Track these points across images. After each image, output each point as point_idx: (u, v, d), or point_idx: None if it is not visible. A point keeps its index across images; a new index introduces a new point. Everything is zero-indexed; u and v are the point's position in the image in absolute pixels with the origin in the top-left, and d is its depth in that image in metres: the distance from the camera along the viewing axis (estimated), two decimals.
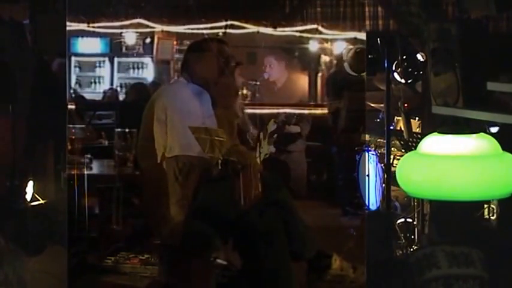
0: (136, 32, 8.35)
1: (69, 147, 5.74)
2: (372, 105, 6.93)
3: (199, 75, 4.88)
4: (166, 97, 4.83)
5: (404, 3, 6.04)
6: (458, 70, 5.47)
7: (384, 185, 6.22)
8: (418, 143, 3.32)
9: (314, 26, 8.18)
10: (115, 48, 8.71)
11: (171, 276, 4.72)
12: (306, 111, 7.60)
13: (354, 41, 7.65)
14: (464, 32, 5.40)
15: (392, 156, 5.91)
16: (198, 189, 4.69)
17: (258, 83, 7.92)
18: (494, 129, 5.63)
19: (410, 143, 5.85)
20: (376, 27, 8.12)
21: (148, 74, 8.70)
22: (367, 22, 8.30)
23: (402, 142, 6.13)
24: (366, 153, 6.78)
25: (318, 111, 7.80)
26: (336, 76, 7.54)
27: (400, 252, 5.60)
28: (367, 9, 8.40)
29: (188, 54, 5.08)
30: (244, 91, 7.96)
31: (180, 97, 4.79)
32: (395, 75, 5.72)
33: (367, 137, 7.04)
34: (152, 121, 4.82)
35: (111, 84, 8.77)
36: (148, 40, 8.48)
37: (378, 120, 6.90)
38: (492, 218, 5.58)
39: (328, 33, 8.18)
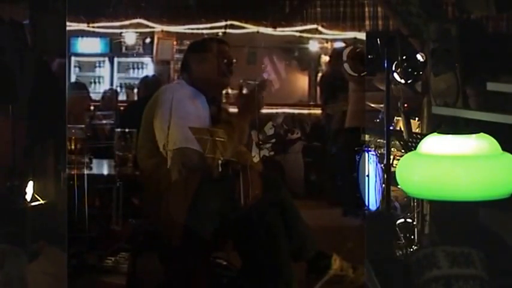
0: (136, 32, 8.35)
1: (69, 147, 5.74)
2: (372, 105, 6.93)
3: (200, 75, 4.87)
4: (171, 94, 4.81)
5: (404, 3, 6.04)
6: (458, 70, 5.47)
7: (383, 185, 6.22)
8: (418, 143, 3.32)
9: (314, 26, 8.18)
10: (115, 48, 8.71)
11: (171, 276, 4.72)
12: (305, 111, 7.61)
13: (354, 41, 7.65)
14: (464, 32, 5.40)
15: (392, 157, 5.91)
16: (198, 189, 4.68)
17: (257, 82, 7.92)
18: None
19: (410, 143, 5.85)
20: (376, 27, 8.13)
21: (148, 74, 8.70)
22: (367, 22, 8.30)
23: (402, 142, 6.14)
24: (366, 154, 6.78)
25: (318, 111, 7.81)
26: (335, 76, 7.55)
27: (400, 252, 5.60)
28: (367, 9, 8.41)
29: (189, 54, 5.08)
30: (244, 91, 7.96)
31: (183, 96, 4.78)
32: (395, 75, 5.72)
33: (367, 137, 7.04)
34: (153, 120, 4.82)
35: (111, 84, 8.77)
36: (148, 40, 8.49)
37: (378, 120, 6.90)
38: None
39: (328, 33, 8.19)
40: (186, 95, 4.78)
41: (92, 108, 7.48)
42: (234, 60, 4.98)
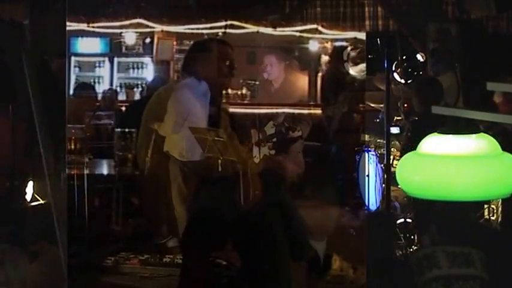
0: (136, 32, 8.35)
1: (69, 147, 5.74)
2: (372, 105, 6.93)
3: (201, 75, 4.88)
4: (183, 98, 4.82)
5: (404, 3, 6.05)
6: (458, 70, 5.48)
7: (383, 185, 6.22)
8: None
9: (314, 26, 8.18)
10: (115, 48, 8.71)
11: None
12: (305, 112, 7.60)
13: (354, 41, 7.65)
14: (464, 32, 5.41)
15: (392, 157, 5.91)
16: (199, 189, 4.69)
17: (257, 82, 7.93)
18: (395, 130, 5.80)
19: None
20: (376, 27, 8.13)
21: (148, 74, 8.70)
22: (367, 22, 8.30)
23: (401, 142, 6.14)
24: (366, 154, 6.78)
25: (318, 111, 7.80)
26: (335, 76, 7.55)
27: (400, 252, 5.60)
28: (367, 9, 8.40)
29: (191, 53, 5.09)
30: (244, 91, 7.97)
31: (194, 99, 4.80)
32: (395, 75, 5.73)
33: (367, 137, 7.04)
34: (155, 121, 4.82)
35: (111, 84, 8.77)
36: (148, 40, 8.48)
37: (378, 120, 6.90)
38: (492, 218, 5.59)
39: (328, 33, 8.18)
40: (196, 98, 4.80)
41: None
42: (236, 66, 5.00)
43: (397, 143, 6.25)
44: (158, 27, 8.17)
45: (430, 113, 5.56)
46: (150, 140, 4.87)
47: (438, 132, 3.13)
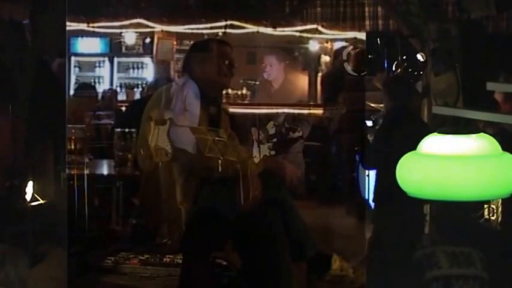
0: (136, 32, 8.36)
1: (69, 147, 5.74)
2: (372, 105, 6.93)
3: (202, 75, 4.88)
4: (182, 93, 4.82)
5: (404, 3, 6.04)
6: (458, 70, 5.48)
7: None
8: None
9: (314, 26, 8.19)
10: (115, 48, 8.72)
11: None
12: (305, 112, 7.61)
13: (354, 41, 7.66)
14: (464, 32, 5.40)
15: None
16: (199, 190, 4.69)
17: (257, 82, 7.93)
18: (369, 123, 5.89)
19: None
20: (376, 27, 8.13)
21: (148, 74, 8.71)
22: (367, 22, 8.31)
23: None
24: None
25: (318, 111, 7.81)
26: (335, 76, 7.55)
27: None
28: (367, 9, 8.41)
29: (191, 53, 5.08)
30: (244, 91, 7.97)
31: (193, 97, 4.80)
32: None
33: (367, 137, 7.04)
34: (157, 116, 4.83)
35: (111, 84, 8.78)
36: (148, 40, 8.50)
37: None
38: (492, 218, 5.58)
39: (328, 33, 8.19)
40: (195, 96, 4.80)
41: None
42: (236, 65, 5.00)
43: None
44: (158, 27, 8.17)
45: (398, 109, 5.64)
46: (150, 139, 4.86)
47: (438, 132, 3.13)
